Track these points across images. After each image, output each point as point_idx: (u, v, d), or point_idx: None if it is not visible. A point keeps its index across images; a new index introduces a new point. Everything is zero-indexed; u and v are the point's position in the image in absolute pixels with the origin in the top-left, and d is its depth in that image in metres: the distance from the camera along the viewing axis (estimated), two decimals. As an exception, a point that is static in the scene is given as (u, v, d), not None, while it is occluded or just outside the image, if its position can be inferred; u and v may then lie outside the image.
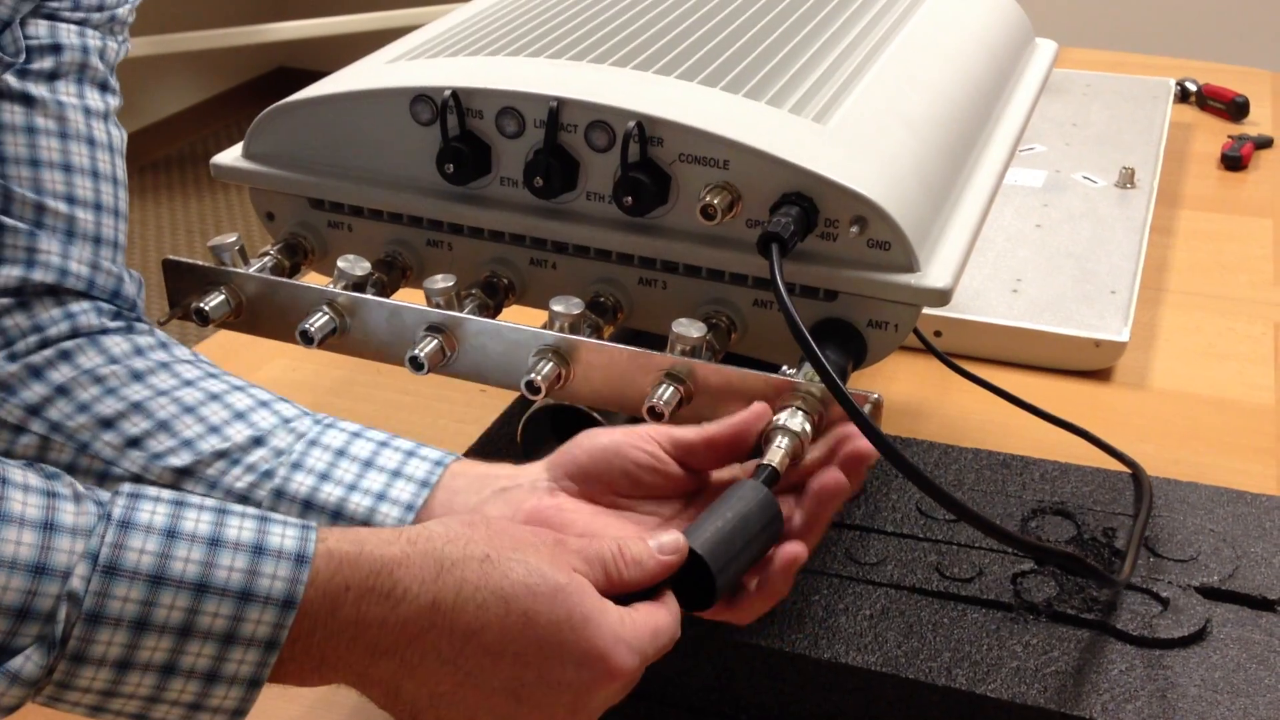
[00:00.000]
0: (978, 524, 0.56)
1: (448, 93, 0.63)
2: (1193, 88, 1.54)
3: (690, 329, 0.60)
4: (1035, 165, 1.27)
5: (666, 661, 0.64)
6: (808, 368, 0.58)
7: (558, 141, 0.62)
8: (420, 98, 0.64)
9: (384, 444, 0.59)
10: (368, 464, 0.58)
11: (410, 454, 0.59)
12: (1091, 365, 0.99)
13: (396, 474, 0.58)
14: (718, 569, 0.50)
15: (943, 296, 0.59)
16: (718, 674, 0.64)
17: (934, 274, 0.60)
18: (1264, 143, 1.41)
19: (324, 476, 0.58)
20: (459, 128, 0.64)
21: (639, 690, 0.66)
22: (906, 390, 0.98)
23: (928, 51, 0.74)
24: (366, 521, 0.57)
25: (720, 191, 0.60)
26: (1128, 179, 1.22)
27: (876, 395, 0.59)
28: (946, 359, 0.85)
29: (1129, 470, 0.75)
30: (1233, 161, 1.37)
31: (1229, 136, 1.41)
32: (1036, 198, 1.20)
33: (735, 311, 0.64)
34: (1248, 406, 0.96)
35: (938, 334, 1.01)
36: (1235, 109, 1.49)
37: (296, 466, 0.58)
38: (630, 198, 0.61)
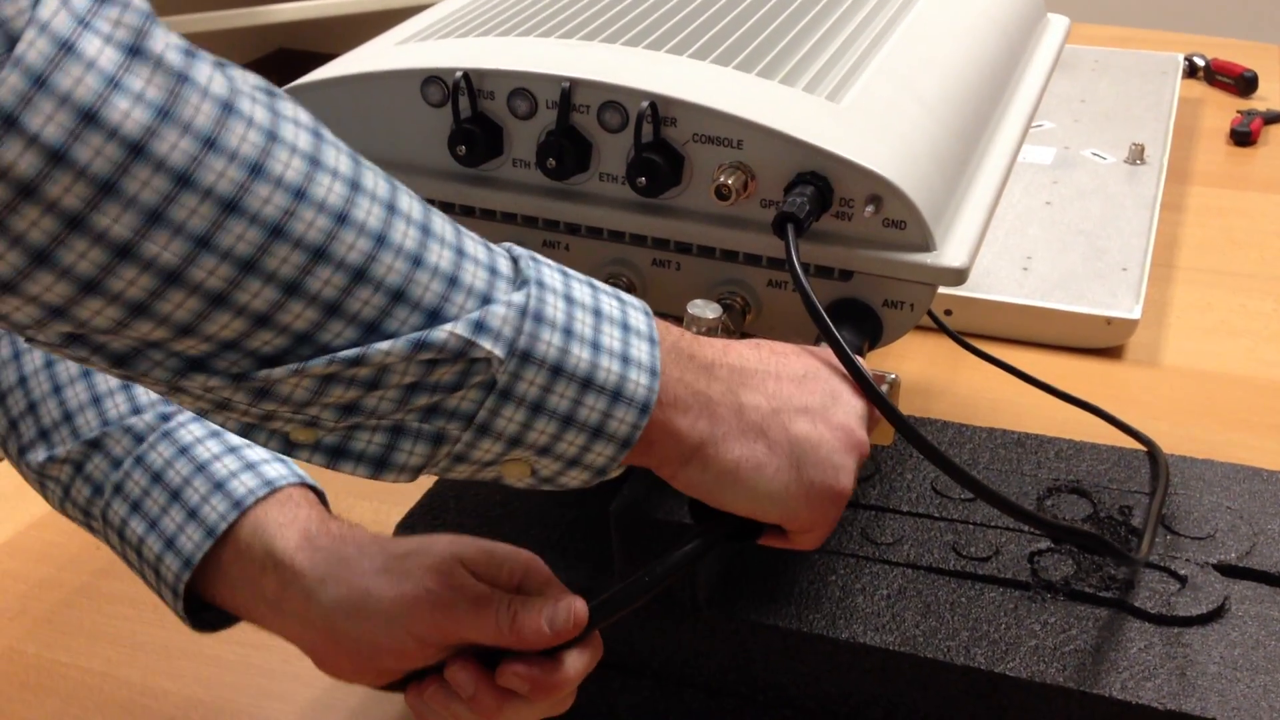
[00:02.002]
0: (996, 503, 0.56)
1: (459, 74, 0.63)
2: (1201, 63, 1.53)
3: (706, 310, 0.59)
4: (1044, 142, 1.26)
5: (683, 642, 0.65)
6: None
7: (570, 122, 0.62)
8: (431, 79, 0.63)
9: (202, 468, 0.57)
10: (175, 495, 0.57)
11: (219, 486, 0.57)
12: (1103, 343, 0.99)
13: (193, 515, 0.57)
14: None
15: (959, 275, 0.59)
16: (735, 654, 0.64)
17: (950, 253, 0.60)
18: (1273, 118, 1.41)
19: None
20: (470, 109, 0.63)
21: (656, 670, 0.66)
22: (918, 369, 0.98)
23: (940, 28, 0.73)
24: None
25: (734, 171, 0.60)
26: (1137, 155, 1.21)
27: (894, 375, 0.59)
28: (958, 337, 0.85)
29: (1144, 448, 0.75)
30: (1242, 137, 1.36)
31: (1238, 112, 1.41)
32: (1046, 175, 1.20)
33: (750, 292, 0.63)
34: (1260, 383, 0.96)
35: (948, 313, 1.01)
36: (1244, 84, 1.48)
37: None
38: (644, 178, 0.61)
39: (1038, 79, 0.79)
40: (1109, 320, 0.98)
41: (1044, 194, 1.16)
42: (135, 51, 0.36)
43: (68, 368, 0.59)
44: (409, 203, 0.43)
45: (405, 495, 0.88)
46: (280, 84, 0.71)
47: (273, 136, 0.39)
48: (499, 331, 0.43)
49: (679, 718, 0.67)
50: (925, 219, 0.59)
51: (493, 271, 0.44)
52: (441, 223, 0.44)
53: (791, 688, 0.64)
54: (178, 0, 3.25)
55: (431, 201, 0.67)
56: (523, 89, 0.62)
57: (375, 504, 0.85)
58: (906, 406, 0.93)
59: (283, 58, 3.86)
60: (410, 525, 0.70)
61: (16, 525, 0.86)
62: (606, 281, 0.64)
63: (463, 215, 0.67)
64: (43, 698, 0.72)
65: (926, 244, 0.59)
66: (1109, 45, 1.55)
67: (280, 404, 0.42)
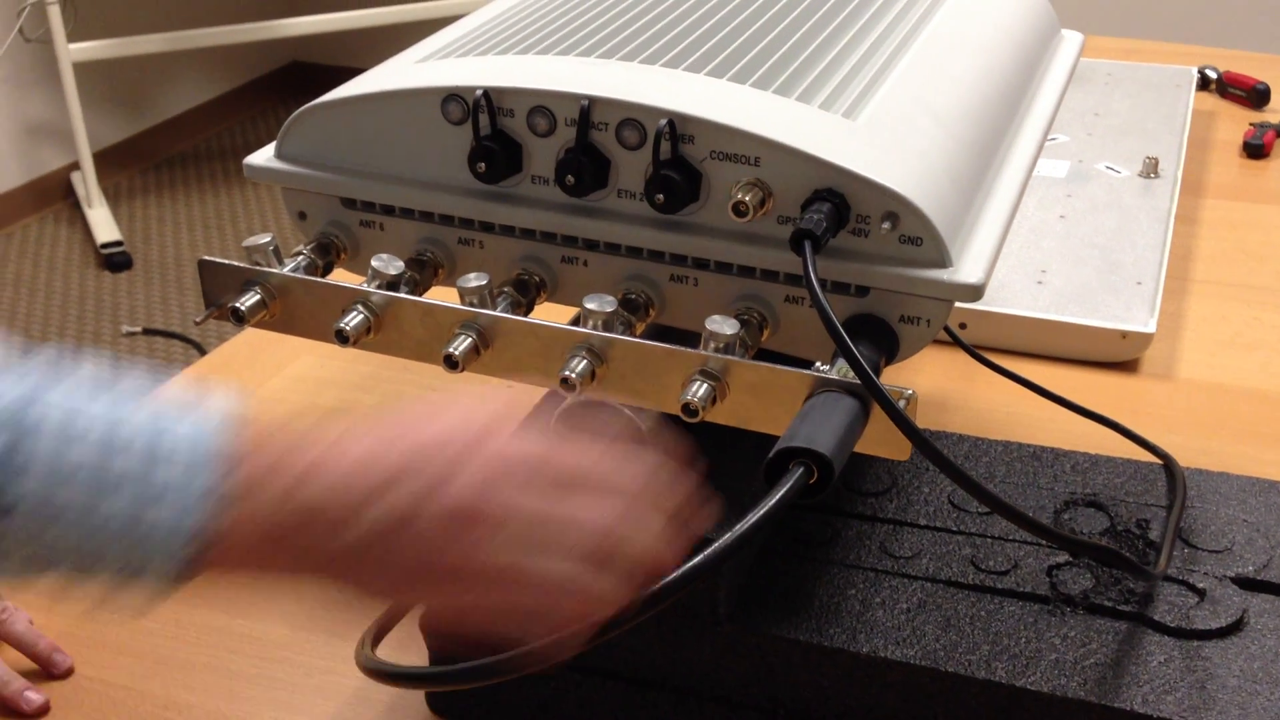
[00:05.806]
0: (1012, 517, 0.56)
1: (479, 92, 0.63)
2: (1213, 75, 1.53)
3: (724, 326, 0.60)
4: (1058, 156, 1.27)
5: (703, 656, 0.65)
6: (841, 363, 0.58)
7: (589, 140, 0.62)
8: (451, 97, 0.64)
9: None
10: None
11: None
12: (1118, 356, 0.99)
13: None
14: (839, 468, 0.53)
15: (975, 292, 0.59)
16: (755, 668, 0.64)
17: (966, 269, 0.60)
18: (1286, 130, 1.41)
19: None
20: (490, 127, 0.64)
21: (676, 684, 0.66)
22: (933, 383, 0.98)
23: (955, 44, 0.74)
24: None
25: (751, 188, 0.60)
26: (1151, 169, 1.21)
27: (911, 391, 0.59)
28: (973, 351, 0.85)
29: (1160, 461, 0.75)
30: (1255, 149, 1.36)
31: (1251, 124, 1.41)
32: (1060, 188, 1.20)
33: (767, 308, 0.64)
34: (1275, 396, 0.96)
35: (963, 326, 1.01)
36: (1256, 96, 1.48)
37: None
38: (662, 195, 0.62)
39: (1052, 95, 0.80)
40: (1124, 334, 0.98)
41: (1058, 208, 1.16)
42: None
43: None
44: None
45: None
46: (293, 96, 0.71)
47: None
48: None
49: (698, 731, 0.67)
50: (941, 235, 0.59)
51: None
52: None
53: (812, 702, 0.64)
54: (192, 15, 3.27)
55: (451, 219, 0.68)
56: (542, 107, 0.63)
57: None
58: (922, 420, 0.93)
59: (296, 70, 3.88)
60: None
61: (38, 540, 0.87)
62: (624, 298, 0.65)
63: (482, 231, 0.67)
64: (67, 712, 0.72)
65: (943, 260, 0.59)
66: (1120, 57, 1.55)
67: None
